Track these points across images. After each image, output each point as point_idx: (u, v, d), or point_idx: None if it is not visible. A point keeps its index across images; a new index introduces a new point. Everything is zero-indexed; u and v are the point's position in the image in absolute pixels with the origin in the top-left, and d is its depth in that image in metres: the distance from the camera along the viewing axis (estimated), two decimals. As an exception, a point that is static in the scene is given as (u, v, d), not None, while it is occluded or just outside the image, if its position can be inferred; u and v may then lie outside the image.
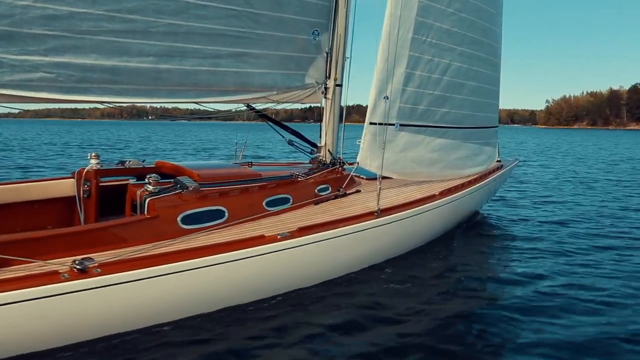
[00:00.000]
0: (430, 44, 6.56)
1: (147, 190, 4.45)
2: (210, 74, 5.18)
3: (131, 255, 3.76)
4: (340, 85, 6.54)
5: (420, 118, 6.77)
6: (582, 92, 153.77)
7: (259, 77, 5.67)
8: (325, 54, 6.32)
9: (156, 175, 4.55)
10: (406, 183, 7.00)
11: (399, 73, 6.31)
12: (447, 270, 5.61)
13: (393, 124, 6.44)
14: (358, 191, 6.31)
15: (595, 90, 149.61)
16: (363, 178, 6.99)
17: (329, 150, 6.62)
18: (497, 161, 8.82)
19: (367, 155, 6.21)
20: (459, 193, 6.70)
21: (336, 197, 5.98)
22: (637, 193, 12.30)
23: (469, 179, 7.39)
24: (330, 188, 6.11)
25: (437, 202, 6.15)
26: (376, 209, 5.29)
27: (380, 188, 5.44)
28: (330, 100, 6.50)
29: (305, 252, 4.60)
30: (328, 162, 6.56)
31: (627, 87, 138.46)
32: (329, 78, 6.42)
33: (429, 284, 5.16)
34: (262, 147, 29.09)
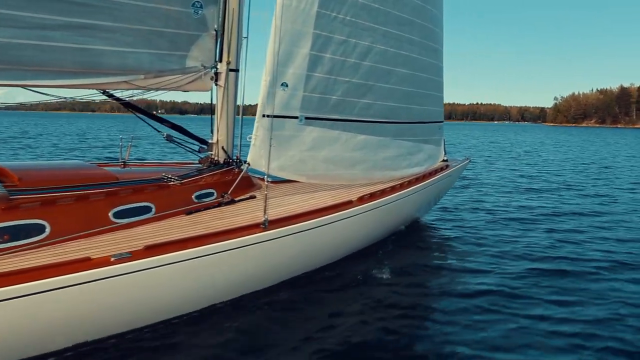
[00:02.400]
0: (343, 21, 5.47)
1: None
2: (38, 49, 4.13)
3: None
4: (237, 71, 5.49)
5: (335, 110, 5.69)
6: (592, 89, 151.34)
7: (117, 57, 4.61)
8: (214, 32, 5.25)
9: None
10: (322, 187, 5.94)
11: (300, 55, 5.23)
12: (348, 294, 4.71)
13: (296, 117, 5.39)
14: (253, 197, 5.28)
15: (605, 88, 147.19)
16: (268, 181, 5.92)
17: (222, 148, 5.57)
18: (443, 160, 7.72)
19: (260, 154, 5.16)
20: (386, 198, 5.63)
21: (219, 204, 4.96)
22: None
23: (402, 181, 6.32)
24: (216, 194, 5.09)
25: (351, 210, 5.13)
26: (263, 219, 4.27)
27: (267, 194, 4.44)
28: (222, 88, 5.44)
29: (153, 278, 3.58)
30: (222, 162, 5.52)
31: (638, 84, 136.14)
32: (221, 61, 5.37)
33: (320, 313, 4.32)
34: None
